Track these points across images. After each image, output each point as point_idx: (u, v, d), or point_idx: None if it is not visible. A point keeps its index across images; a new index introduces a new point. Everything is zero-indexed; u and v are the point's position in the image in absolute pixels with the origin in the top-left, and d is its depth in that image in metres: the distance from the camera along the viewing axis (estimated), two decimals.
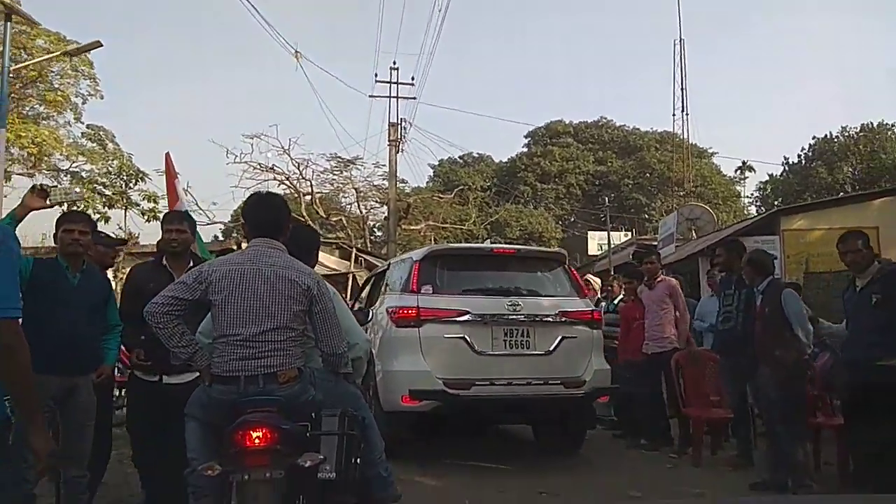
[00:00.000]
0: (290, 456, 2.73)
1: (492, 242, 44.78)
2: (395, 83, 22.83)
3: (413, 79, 23.66)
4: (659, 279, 6.76)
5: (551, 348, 5.77)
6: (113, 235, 5.14)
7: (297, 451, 2.76)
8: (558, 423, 6.29)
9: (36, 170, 25.03)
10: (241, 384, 2.88)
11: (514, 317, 5.74)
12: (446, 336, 5.60)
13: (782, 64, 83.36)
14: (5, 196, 25.38)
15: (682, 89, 31.74)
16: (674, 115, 32.90)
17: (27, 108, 24.77)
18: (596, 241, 34.34)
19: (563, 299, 6.07)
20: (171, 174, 6.07)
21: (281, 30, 59.71)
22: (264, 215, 3.23)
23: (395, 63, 23.96)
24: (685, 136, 33.71)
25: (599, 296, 9.16)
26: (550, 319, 5.83)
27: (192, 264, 4.07)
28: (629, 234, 34.15)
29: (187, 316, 3.04)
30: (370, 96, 23.56)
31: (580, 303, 6.15)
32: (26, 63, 19.64)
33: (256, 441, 2.73)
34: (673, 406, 6.64)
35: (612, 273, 16.34)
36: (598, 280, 9.63)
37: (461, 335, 5.61)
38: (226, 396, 2.91)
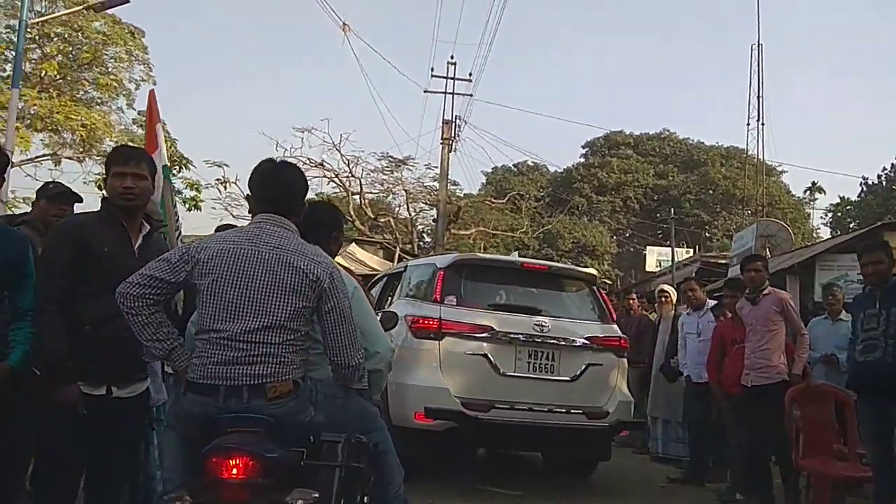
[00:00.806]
0: (276, 491, 2.25)
1: (543, 253, 43.68)
2: (451, 78, 21.78)
3: (470, 75, 22.62)
4: (766, 291, 5.37)
5: (576, 375, 5.49)
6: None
7: (287, 486, 2.27)
8: (572, 452, 5.98)
9: (86, 155, 24.86)
10: (219, 396, 2.34)
11: (541, 338, 5.43)
12: (467, 352, 5.27)
13: (859, 77, 79.40)
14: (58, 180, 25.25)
15: (758, 97, 29.72)
16: (748, 124, 30.51)
17: (80, 93, 24.61)
18: (655, 257, 32.49)
19: (592, 323, 5.80)
20: (153, 115, 5.05)
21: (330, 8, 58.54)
22: (275, 185, 2.61)
23: (452, 58, 22.83)
24: (759, 148, 31.47)
25: (676, 309, 7.83)
26: (578, 344, 5.55)
27: (147, 228, 2.98)
28: (691, 251, 32.16)
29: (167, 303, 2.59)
30: (425, 91, 22.60)
31: (609, 328, 5.85)
32: (44, 18, 19.15)
33: (234, 471, 2.21)
34: (778, 453, 5.26)
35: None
36: (674, 290, 8.24)
37: (483, 353, 5.30)
38: (199, 409, 2.37)
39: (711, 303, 6.94)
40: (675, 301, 7.98)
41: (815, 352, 5.97)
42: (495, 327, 5.33)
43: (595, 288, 6.19)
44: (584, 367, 5.49)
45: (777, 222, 20.03)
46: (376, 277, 8.02)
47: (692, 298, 6.90)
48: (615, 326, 6.00)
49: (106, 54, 23.71)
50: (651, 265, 31.91)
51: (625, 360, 5.90)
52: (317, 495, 2.28)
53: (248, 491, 2.22)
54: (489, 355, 5.28)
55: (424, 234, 34.69)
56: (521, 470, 6.23)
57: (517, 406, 5.22)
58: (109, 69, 24.17)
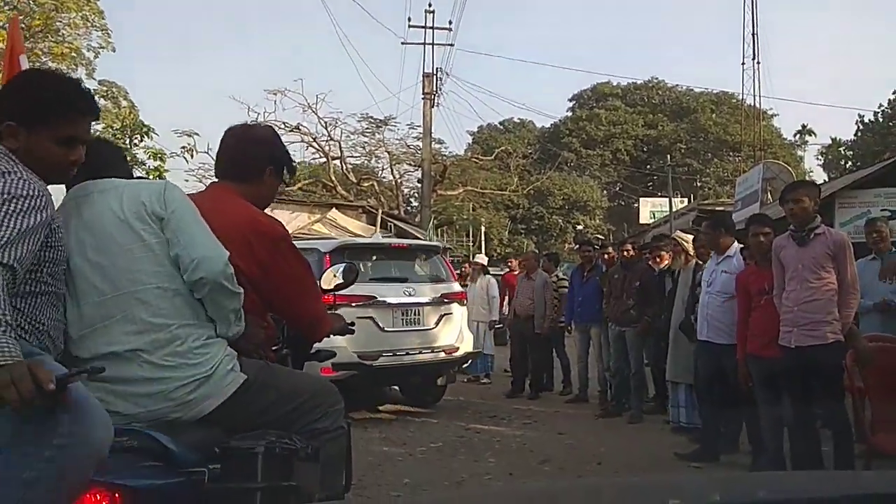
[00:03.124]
0: None
1: (534, 211, 42.70)
2: (430, 28, 20.51)
3: (450, 23, 21.29)
4: (818, 230, 4.38)
5: (435, 323, 7.23)
6: None
7: None
8: (432, 381, 7.69)
9: None
10: None
11: (409, 299, 7.08)
12: (358, 317, 6.11)
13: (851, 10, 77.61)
14: None
15: (752, 34, 28.41)
16: (742, 64, 29.17)
17: (36, 65, 23.16)
18: (648, 209, 31.59)
19: (443, 284, 7.54)
20: (15, 45, 4.00)
21: None
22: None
23: (430, 5, 21.42)
24: (756, 88, 30.31)
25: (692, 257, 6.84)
26: (435, 300, 7.27)
27: None
28: (685, 200, 31.28)
29: None
30: (403, 43, 21.33)
31: (453, 285, 7.73)
32: None
33: None
34: (836, 429, 4.34)
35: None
36: (689, 237, 7.24)
37: (370, 316, 6.64)
38: None
39: (737, 247, 5.76)
40: (689, 249, 6.98)
41: (866, 299, 5.03)
42: (377, 296, 6.75)
43: (441, 256, 8.12)
44: (439, 316, 7.23)
45: (778, 163, 19.13)
46: None
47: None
48: (457, 284, 7.97)
49: (59, 21, 22.24)
50: (645, 217, 31.02)
51: (465, 307, 7.93)
52: None
53: None
54: (374, 317, 6.70)
55: (411, 199, 33.67)
56: (505, 448, 5.72)
57: (397, 352, 6.84)
58: (65, 38, 22.72)
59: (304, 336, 2.51)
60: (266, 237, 2.14)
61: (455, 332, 7.41)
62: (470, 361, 8.45)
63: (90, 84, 24.25)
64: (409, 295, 7.10)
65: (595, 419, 6.94)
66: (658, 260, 7.13)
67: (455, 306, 7.49)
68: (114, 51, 23.29)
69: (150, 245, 1.85)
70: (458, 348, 7.36)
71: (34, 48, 22.90)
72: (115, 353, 1.79)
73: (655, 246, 7.40)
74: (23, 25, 22.32)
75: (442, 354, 7.21)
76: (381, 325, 6.78)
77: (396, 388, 8.06)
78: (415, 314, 7.13)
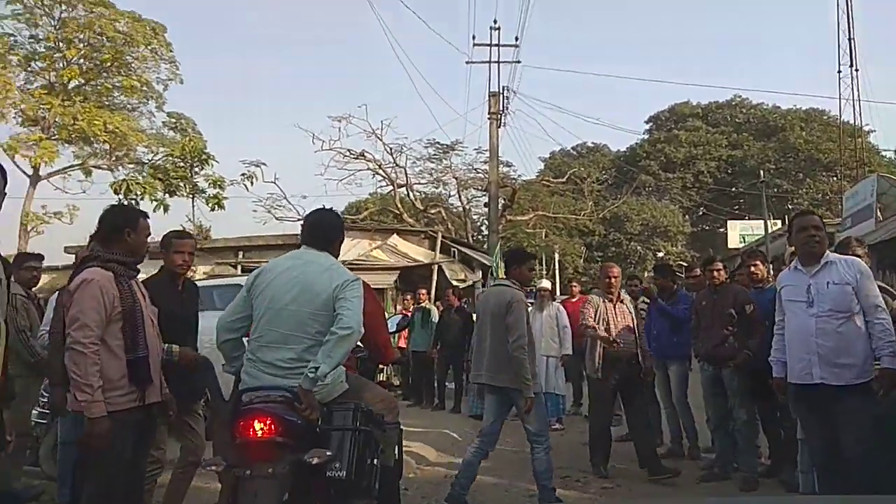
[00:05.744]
0: (296, 451, 2.74)
1: (610, 238, 40.73)
2: (495, 45, 19.56)
3: (516, 39, 20.30)
4: None
5: None
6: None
7: (305, 447, 2.76)
8: None
9: (118, 163, 23.74)
10: None
11: None
12: None
13: None
14: (83, 192, 24.02)
15: (849, 39, 26.09)
16: (839, 71, 26.72)
17: (108, 99, 23.49)
18: (737, 232, 29.33)
19: None
20: None
21: None
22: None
23: (495, 22, 20.47)
24: (854, 96, 27.54)
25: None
26: None
27: None
28: (777, 222, 28.83)
29: None
30: (467, 62, 20.44)
31: None
32: None
33: (259, 432, 2.72)
34: None
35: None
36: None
37: None
38: None
39: (835, 257, 4.03)
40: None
41: None
42: None
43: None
44: None
45: (889, 178, 17.00)
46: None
47: (812, 243, 4.07)
48: None
49: (129, 55, 22.55)
50: (734, 241, 28.82)
51: None
52: (330, 454, 2.78)
53: (273, 449, 2.71)
54: None
55: (481, 226, 32.54)
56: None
57: None
58: (134, 71, 23.00)
59: (376, 359, 3.95)
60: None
61: None
62: None
63: (161, 117, 24.49)
64: None
65: (696, 483, 5.47)
66: (754, 275, 5.71)
67: None
68: (182, 82, 23.47)
69: (328, 314, 3.09)
70: None
71: (105, 83, 23.29)
72: (279, 365, 3.08)
73: (748, 259, 6.01)
74: (98, 62, 22.64)
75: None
76: None
77: None
78: None
